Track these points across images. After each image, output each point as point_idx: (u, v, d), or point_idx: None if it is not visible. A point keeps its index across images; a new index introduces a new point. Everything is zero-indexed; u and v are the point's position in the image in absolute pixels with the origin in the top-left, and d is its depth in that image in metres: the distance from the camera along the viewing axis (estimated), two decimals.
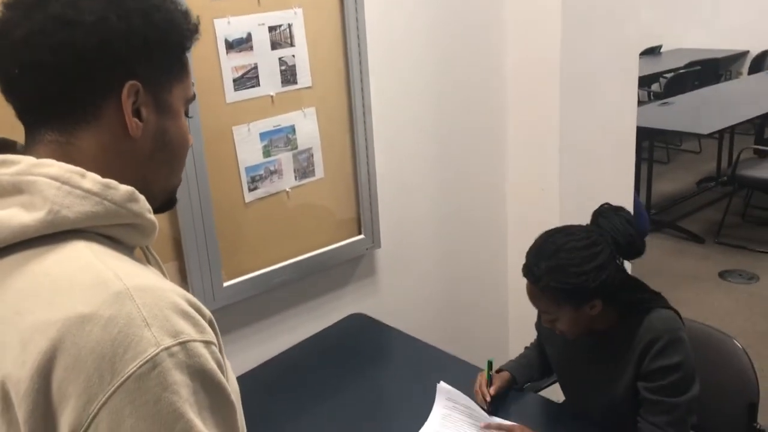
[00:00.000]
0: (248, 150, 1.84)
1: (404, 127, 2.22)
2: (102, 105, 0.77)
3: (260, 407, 1.75)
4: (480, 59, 2.36)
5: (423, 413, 1.71)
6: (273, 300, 2.01)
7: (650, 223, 4.86)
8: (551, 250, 1.51)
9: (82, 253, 0.72)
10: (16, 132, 0.82)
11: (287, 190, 1.94)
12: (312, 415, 1.76)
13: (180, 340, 0.68)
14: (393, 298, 2.33)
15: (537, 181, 2.46)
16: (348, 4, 1.92)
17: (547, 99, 2.34)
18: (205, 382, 0.70)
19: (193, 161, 1.71)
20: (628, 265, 2.21)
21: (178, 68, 0.84)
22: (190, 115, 0.89)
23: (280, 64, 1.84)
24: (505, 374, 1.80)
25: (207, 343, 0.71)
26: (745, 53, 7.62)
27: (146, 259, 0.90)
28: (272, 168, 1.89)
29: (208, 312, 0.76)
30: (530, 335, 1.90)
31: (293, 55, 1.86)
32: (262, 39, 1.79)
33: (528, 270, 1.55)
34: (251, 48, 1.78)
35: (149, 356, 0.66)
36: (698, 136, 6.19)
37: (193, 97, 0.88)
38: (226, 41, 1.73)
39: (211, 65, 1.71)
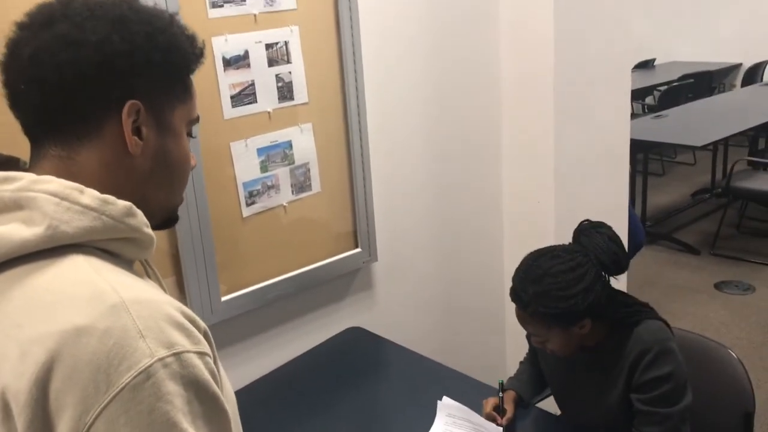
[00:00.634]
0: (246, 165, 1.85)
1: (400, 142, 2.24)
2: (103, 122, 0.80)
3: (258, 422, 1.75)
4: (475, 74, 2.39)
5: (422, 428, 1.71)
6: (271, 314, 2.02)
7: (646, 235, 4.89)
8: (537, 275, 1.51)
9: (80, 267, 0.74)
10: (22, 145, 0.83)
11: (284, 204, 1.96)
12: (310, 430, 1.76)
13: (174, 351, 0.70)
14: (390, 311, 2.33)
15: (532, 194, 2.48)
16: (344, 22, 1.95)
17: (541, 113, 2.36)
18: (199, 392, 0.71)
19: (192, 176, 1.72)
20: (623, 277, 2.22)
21: (182, 90, 0.86)
22: (193, 135, 0.90)
23: (277, 81, 1.86)
24: (512, 394, 1.78)
25: (201, 354, 0.73)
26: (738, 66, 7.69)
27: (146, 272, 0.92)
28: (269, 183, 1.91)
29: (202, 323, 0.78)
30: (527, 346, 1.90)
31: (290, 72, 1.88)
32: (259, 56, 1.81)
33: (516, 295, 1.55)
34: (248, 65, 1.80)
35: (143, 367, 0.68)
36: (692, 149, 6.23)
37: (197, 119, 0.90)
38: (224, 58, 1.75)
39: (208, 82, 1.73)
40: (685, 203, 5.71)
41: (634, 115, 5.94)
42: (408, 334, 2.29)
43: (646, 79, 7.18)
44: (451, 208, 2.44)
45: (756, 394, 1.76)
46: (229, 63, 1.76)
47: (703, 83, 6.92)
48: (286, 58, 1.87)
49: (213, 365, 0.75)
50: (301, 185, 1.98)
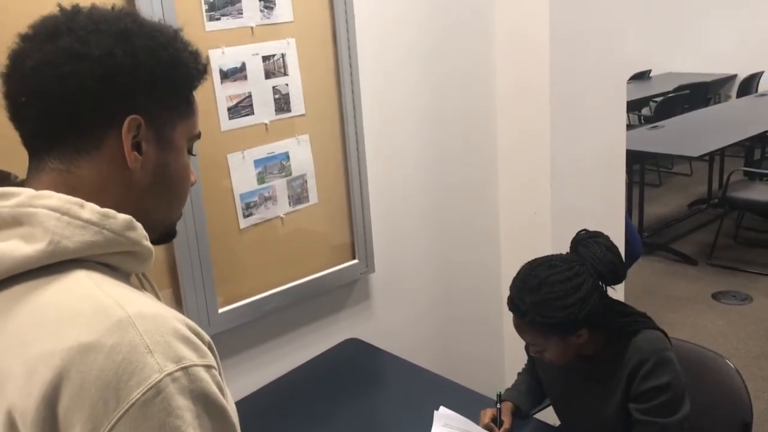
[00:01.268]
0: (243, 177, 1.86)
1: (396, 153, 2.24)
2: (103, 136, 0.79)
3: None
4: (471, 85, 2.40)
5: None
6: (268, 326, 2.02)
7: (643, 246, 4.89)
8: (535, 284, 1.52)
9: (83, 282, 0.74)
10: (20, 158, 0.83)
11: (281, 216, 1.96)
12: None
13: (182, 366, 0.70)
14: (388, 322, 2.33)
15: (529, 205, 2.49)
16: (340, 34, 1.96)
17: (537, 124, 2.37)
18: (208, 406, 0.71)
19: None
20: (621, 287, 2.23)
21: (184, 106, 0.86)
22: (194, 152, 0.90)
23: (274, 93, 1.87)
24: (509, 405, 1.77)
25: (208, 367, 0.73)
26: (733, 77, 7.73)
27: (141, 285, 0.91)
28: (266, 194, 1.91)
29: (207, 336, 0.78)
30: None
31: (287, 84, 1.89)
32: (256, 68, 1.82)
33: (513, 304, 1.56)
34: (245, 77, 1.81)
35: (153, 382, 0.67)
36: (689, 159, 6.25)
37: (198, 135, 0.90)
38: (221, 71, 1.76)
39: (205, 94, 1.74)
40: (682, 214, 5.72)
41: (630, 126, 5.99)
42: (406, 345, 2.29)
43: (643, 90, 7.22)
44: (449, 219, 2.45)
45: (754, 405, 1.76)
46: (226, 75, 1.77)
47: (698, 94, 6.96)
48: (283, 70, 1.88)
49: (219, 378, 0.75)
50: (298, 197, 1.98)
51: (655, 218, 5.63)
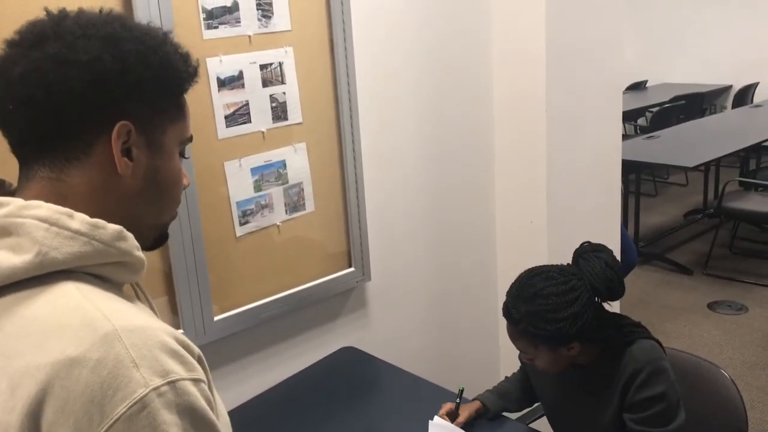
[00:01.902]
0: (239, 185, 1.86)
1: (393, 161, 2.25)
2: (93, 143, 0.78)
3: None
4: (468, 95, 2.41)
5: None
6: (263, 334, 2.02)
7: (639, 255, 4.90)
8: (530, 294, 1.52)
9: (70, 294, 0.73)
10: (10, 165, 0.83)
11: (278, 224, 1.96)
12: None
13: (169, 380, 0.68)
14: (384, 331, 2.33)
15: (526, 214, 2.49)
16: (337, 43, 1.97)
17: (533, 134, 2.38)
18: (195, 420, 0.70)
19: (185, 196, 1.73)
20: None
21: (174, 110, 0.84)
22: (186, 156, 0.89)
23: (271, 101, 1.88)
24: (475, 403, 1.81)
25: (196, 381, 0.71)
26: (728, 88, 7.77)
27: (136, 295, 0.90)
28: (263, 202, 1.92)
29: (196, 349, 0.76)
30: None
31: (284, 92, 1.90)
32: (253, 77, 1.83)
33: (507, 311, 1.57)
34: (243, 85, 1.81)
35: (138, 397, 0.66)
36: (684, 169, 6.27)
37: (190, 139, 0.88)
38: (218, 79, 1.76)
39: (203, 102, 1.74)
40: (678, 223, 5.73)
41: (626, 136, 6.01)
42: (401, 353, 2.29)
43: (639, 101, 7.24)
44: (445, 227, 2.45)
45: (749, 414, 1.76)
46: (224, 83, 1.78)
47: (694, 105, 6.98)
48: (280, 78, 1.88)
49: (208, 391, 0.74)
50: (294, 205, 1.98)
51: (651, 228, 5.64)
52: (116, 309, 0.73)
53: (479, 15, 2.38)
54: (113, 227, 0.76)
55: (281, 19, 1.86)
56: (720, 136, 5.45)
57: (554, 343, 1.52)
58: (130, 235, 0.78)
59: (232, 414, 0.86)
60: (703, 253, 4.95)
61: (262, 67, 1.84)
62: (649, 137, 5.49)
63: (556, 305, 1.49)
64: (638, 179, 5.32)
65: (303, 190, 1.99)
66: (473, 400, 1.83)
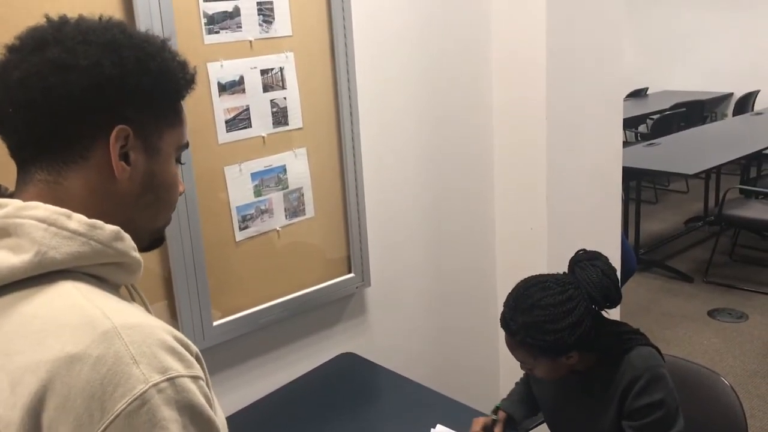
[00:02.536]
0: (239, 189, 1.86)
1: (393, 167, 2.25)
2: (90, 147, 0.79)
3: None
4: (468, 101, 2.41)
5: None
6: (263, 339, 2.01)
7: (639, 263, 4.90)
8: (527, 305, 1.52)
9: (69, 293, 0.74)
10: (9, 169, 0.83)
11: (278, 229, 1.96)
12: None
13: (168, 376, 0.69)
14: (383, 337, 2.33)
15: (525, 221, 2.49)
16: (338, 48, 1.97)
17: (533, 140, 2.38)
18: (194, 417, 0.71)
19: (185, 200, 1.73)
20: None
21: (172, 115, 0.86)
22: (182, 161, 0.90)
23: (272, 106, 1.88)
24: (503, 415, 1.78)
25: (195, 378, 0.73)
26: (729, 95, 7.78)
27: (131, 296, 0.91)
28: (263, 207, 1.92)
29: (194, 347, 0.77)
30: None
31: (285, 98, 1.90)
32: (254, 82, 1.83)
33: (505, 322, 1.56)
34: (243, 90, 1.81)
35: (138, 393, 0.67)
36: (685, 177, 6.27)
37: (187, 145, 0.90)
38: (219, 84, 1.77)
39: (203, 107, 1.75)
40: (678, 231, 5.73)
41: (627, 143, 6.01)
42: (401, 360, 2.28)
43: (639, 108, 7.26)
44: (445, 233, 2.45)
45: (749, 423, 1.75)
46: (225, 88, 1.78)
47: (695, 112, 6.99)
48: (281, 83, 1.88)
49: (206, 389, 0.75)
50: (294, 210, 1.98)
51: (651, 235, 5.64)
52: (115, 307, 0.74)
53: (479, 21, 2.38)
54: (111, 228, 0.77)
55: (282, 24, 1.86)
56: (721, 143, 5.46)
57: (553, 353, 1.52)
58: (127, 236, 0.79)
59: (230, 420, 0.86)
60: (703, 261, 4.95)
61: (263, 72, 1.84)
62: (650, 144, 5.49)
63: (554, 315, 1.48)
64: (639, 186, 5.33)
65: (303, 195, 1.99)
66: (496, 410, 1.79)
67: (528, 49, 2.32)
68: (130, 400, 0.66)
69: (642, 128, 7.34)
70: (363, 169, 2.10)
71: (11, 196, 0.81)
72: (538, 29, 2.27)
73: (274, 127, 1.89)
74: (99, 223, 0.77)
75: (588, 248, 1.62)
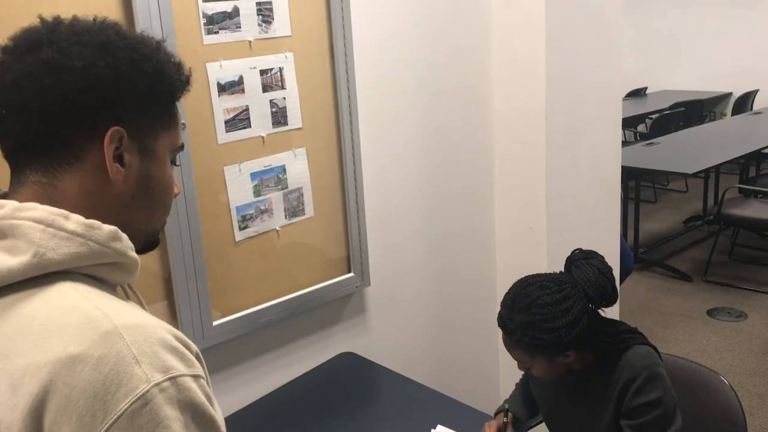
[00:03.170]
0: (239, 189, 1.86)
1: (393, 167, 2.25)
2: (85, 148, 0.79)
3: None
4: (468, 101, 2.41)
5: None
6: (263, 339, 2.02)
7: (639, 262, 4.91)
8: (525, 304, 1.52)
9: (68, 294, 0.73)
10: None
11: (277, 229, 1.96)
12: None
13: (170, 376, 0.70)
14: (383, 336, 2.33)
15: (525, 220, 2.49)
16: (338, 48, 1.97)
17: (533, 139, 2.38)
18: (196, 416, 0.71)
19: (185, 200, 1.73)
20: (616, 304, 2.23)
21: (166, 117, 0.85)
22: (177, 163, 0.90)
23: (271, 106, 1.88)
24: (511, 416, 1.79)
25: (196, 377, 0.73)
26: (728, 95, 7.79)
27: (126, 296, 0.90)
28: (263, 207, 1.92)
29: (194, 346, 0.77)
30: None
31: (284, 98, 1.90)
32: (253, 82, 1.83)
33: (502, 322, 1.57)
34: (243, 91, 1.81)
35: (141, 393, 0.67)
36: (684, 176, 6.28)
37: (181, 147, 0.89)
38: (218, 84, 1.77)
39: (203, 107, 1.75)
40: (678, 230, 5.74)
41: (626, 143, 6.01)
42: (401, 359, 2.28)
43: (638, 108, 7.26)
44: (445, 233, 2.45)
45: (748, 422, 1.76)
46: (224, 88, 1.78)
47: (694, 112, 7.00)
48: (280, 83, 1.88)
49: (207, 387, 0.75)
50: (294, 210, 1.98)
51: (651, 234, 5.64)
52: (114, 307, 0.74)
53: (479, 22, 2.38)
54: (108, 228, 0.77)
55: (281, 24, 1.86)
56: (720, 143, 5.46)
57: (550, 352, 1.52)
58: (124, 236, 0.79)
59: (230, 420, 0.86)
60: (702, 260, 4.96)
61: (263, 72, 1.85)
62: (649, 144, 5.50)
63: (551, 314, 1.49)
64: (638, 186, 5.33)
65: (302, 195, 1.99)
66: (506, 411, 1.79)
67: (527, 49, 2.32)
68: (132, 400, 0.67)
69: (641, 128, 7.34)
70: (362, 168, 2.10)
71: (5, 197, 0.81)
72: (537, 29, 2.28)
73: (273, 127, 1.89)
74: (96, 223, 0.76)
75: (587, 248, 1.62)
